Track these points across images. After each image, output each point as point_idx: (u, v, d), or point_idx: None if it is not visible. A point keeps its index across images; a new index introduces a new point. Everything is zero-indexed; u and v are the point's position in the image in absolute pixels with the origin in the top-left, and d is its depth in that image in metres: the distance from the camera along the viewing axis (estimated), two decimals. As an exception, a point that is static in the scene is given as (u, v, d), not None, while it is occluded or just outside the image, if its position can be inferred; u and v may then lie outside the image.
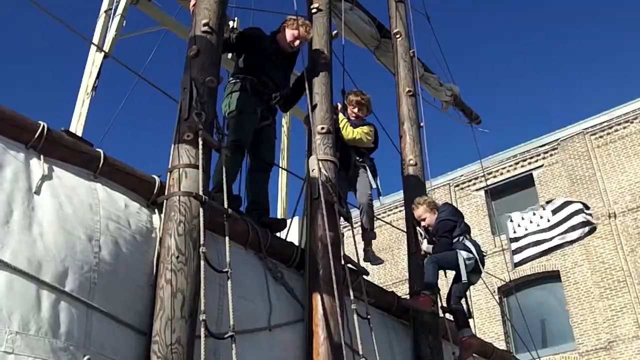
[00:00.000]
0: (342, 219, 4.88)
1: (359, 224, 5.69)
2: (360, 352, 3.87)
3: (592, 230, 7.44)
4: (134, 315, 3.24)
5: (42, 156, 3.30)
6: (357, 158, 5.58)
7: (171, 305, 3.19)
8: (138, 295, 3.31)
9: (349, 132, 5.55)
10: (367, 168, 5.56)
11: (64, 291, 2.93)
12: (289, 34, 5.10)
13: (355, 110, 5.76)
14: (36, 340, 2.75)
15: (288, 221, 5.26)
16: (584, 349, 16.79)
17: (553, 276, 18.13)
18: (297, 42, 5.13)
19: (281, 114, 7.58)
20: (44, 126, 3.32)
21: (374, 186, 5.51)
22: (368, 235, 5.76)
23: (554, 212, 7.39)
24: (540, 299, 18.12)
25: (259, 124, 4.88)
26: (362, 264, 5.08)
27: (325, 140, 4.91)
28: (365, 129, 5.66)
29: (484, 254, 5.79)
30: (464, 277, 5.41)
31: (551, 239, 7.14)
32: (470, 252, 5.47)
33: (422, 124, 6.69)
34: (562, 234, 7.12)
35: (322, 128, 4.93)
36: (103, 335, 3.04)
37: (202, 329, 3.12)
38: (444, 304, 5.64)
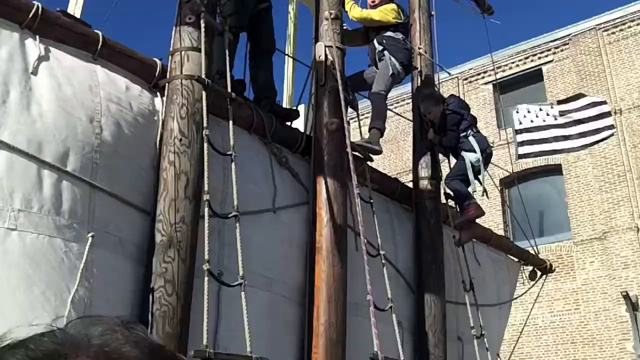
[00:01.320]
0: (350, 108, 4.78)
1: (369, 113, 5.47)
2: (362, 234, 3.93)
3: (610, 135, 7.26)
4: (137, 196, 3.28)
5: (37, 37, 3.22)
6: (380, 48, 5.26)
7: (175, 186, 3.21)
8: (142, 177, 3.33)
9: (356, 12, 5.27)
10: (388, 52, 5.22)
11: (66, 171, 2.94)
12: None
13: None
14: (39, 218, 2.80)
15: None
16: (579, 239, 17.20)
17: (555, 169, 18.25)
18: None
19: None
20: (38, 6, 3.23)
21: (392, 71, 5.19)
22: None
23: (563, 113, 7.22)
24: (541, 190, 18.34)
25: (255, 7, 4.71)
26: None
27: (332, 26, 4.74)
28: (382, 7, 5.37)
29: (492, 145, 5.73)
30: (472, 185, 5.42)
31: (563, 138, 6.96)
32: (476, 151, 5.44)
33: (433, 13, 6.44)
34: (578, 136, 6.90)
35: (330, 13, 4.75)
36: (107, 214, 3.09)
37: (206, 208, 3.16)
38: (447, 190, 5.67)
